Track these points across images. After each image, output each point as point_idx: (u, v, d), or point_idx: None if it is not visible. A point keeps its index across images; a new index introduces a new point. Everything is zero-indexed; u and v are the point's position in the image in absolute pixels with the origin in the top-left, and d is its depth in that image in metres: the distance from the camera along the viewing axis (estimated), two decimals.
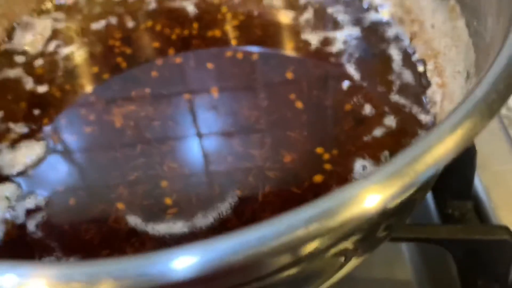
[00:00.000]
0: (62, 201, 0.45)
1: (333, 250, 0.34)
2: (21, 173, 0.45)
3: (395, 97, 0.48)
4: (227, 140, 0.48)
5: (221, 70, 0.55)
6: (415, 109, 0.47)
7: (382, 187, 0.25)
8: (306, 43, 0.55)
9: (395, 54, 0.51)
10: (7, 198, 0.42)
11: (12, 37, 0.57)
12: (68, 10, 0.61)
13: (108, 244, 0.43)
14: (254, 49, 0.56)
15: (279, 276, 0.32)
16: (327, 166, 0.45)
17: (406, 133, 0.45)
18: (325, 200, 0.25)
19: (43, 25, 0.56)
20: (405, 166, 0.25)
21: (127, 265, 0.24)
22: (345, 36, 0.53)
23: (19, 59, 0.55)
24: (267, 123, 0.49)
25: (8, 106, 0.51)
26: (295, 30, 0.57)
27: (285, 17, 0.59)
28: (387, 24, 0.55)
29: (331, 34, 0.54)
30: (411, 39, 0.52)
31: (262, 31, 0.58)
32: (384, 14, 0.55)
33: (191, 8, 0.59)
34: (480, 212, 0.56)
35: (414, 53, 0.51)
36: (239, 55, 0.56)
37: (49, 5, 0.60)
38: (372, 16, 0.56)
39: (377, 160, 0.44)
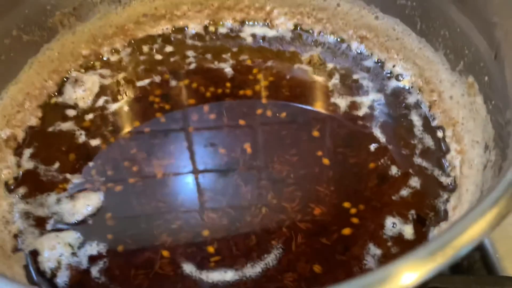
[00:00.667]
0: (112, 248, 0.52)
1: None
2: (81, 222, 0.52)
3: (418, 160, 0.56)
4: (262, 192, 0.56)
5: (252, 126, 0.63)
6: (437, 172, 0.55)
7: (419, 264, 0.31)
8: (335, 106, 0.63)
9: (415, 119, 0.60)
10: (70, 245, 0.48)
11: (62, 92, 0.65)
12: (113, 67, 0.69)
13: None
14: (283, 108, 0.64)
15: None
16: (355, 220, 0.53)
17: (429, 194, 0.53)
18: (365, 277, 0.31)
19: (91, 81, 0.64)
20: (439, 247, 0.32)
21: None
22: (370, 101, 0.62)
23: (70, 112, 0.63)
24: (297, 178, 0.57)
25: (62, 158, 0.59)
26: (322, 92, 0.65)
27: (312, 80, 0.67)
28: (408, 91, 0.64)
29: (358, 98, 0.63)
30: (430, 107, 0.61)
31: (289, 91, 0.66)
32: (404, 83, 0.64)
33: (228, 70, 0.68)
34: (486, 262, 0.63)
35: (433, 119, 0.60)
36: (269, 113, 0.64)
37: (96, 62, 0.68)
38: (393, 84, 0.65)
39: (405, 219, 0.52)
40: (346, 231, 0.52)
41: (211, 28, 0.73)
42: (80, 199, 0.53)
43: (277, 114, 0.64)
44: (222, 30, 0.73)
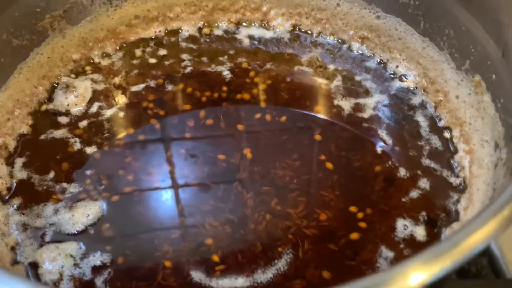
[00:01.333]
0: (114, 258, 0.53)
1: None
2: (82, 232, 0.53)
3: (426, 161, 0.59)
4: (265, 199, 0.57)
5: (251, 131, 0.65)
6: (446, 173, 0.58)
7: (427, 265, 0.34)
8: (339, 108, 0.66)
9: (421, 120, 0.63)
10: (71, 256, 0.49)
11: (53, 98, 0.66)
12: (105, 72, 0.70)
13: None
14: (282, 111, 0.66)
15: None
16: (362, 224, 0.55)
17: (439, 195, 0.56)
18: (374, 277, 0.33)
19: (84, 86, 0.65)
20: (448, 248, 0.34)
21: None
22: (374, 103, 0.65)
23: (63, 119, 0.64)
24: (301, 183, 0.59)
25: (57, 166, 0.60)
26: (324, 95, 0.67)
27: (313, 82, 0.69)
28: (412, 92, 0.67)
29: (361, 100, 0.65)
30: (435, 108, 0.64)
31: (289, 94, 0.68)
32: (408, 83, 0.67)
33: (226, 73, 0.70)
34: (494, 268, 0.65)
35: (440, 120, 0.63)
36: (268, 117, 0.66)
37: (86, 67, 0.70)
38: (397, 84, 0.67)
39: (416, 220, 0.54)
40: (354, 235, 0.54)
41: (206, 30, 0.75)
42: (79, 208, 0.54)
43: (277, 118, 0.66)
44: (217, 32, 0.75)
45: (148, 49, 0.73)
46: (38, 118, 0.65)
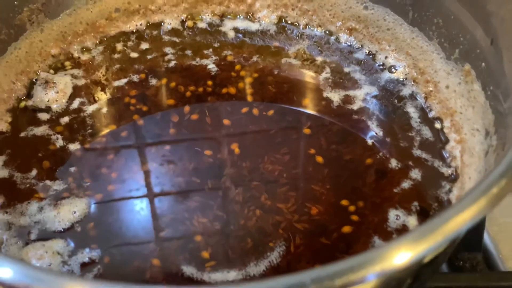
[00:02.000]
0: (98, 258, 0.54)
1: None
2: (69, 229, 0.55)
3: (417, 152, 0.62)
4: (255, 194, 0.59)
5: (238, 126, 0.67)
6: (437, 163, 0.61)
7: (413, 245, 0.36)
8: (328, 100, 0.68)
9: (412, 111, 0.66)
10: (58, 253, 0.51)
11: (32, 94, 0.67)
12: (85, 67, 0.72)
13: None
14: (270, 105, 0.69)
15: None
16: (354, 218, 0.57)
17: (431, 185, 0.59)
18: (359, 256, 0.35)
19: (64, 82, 0.67)
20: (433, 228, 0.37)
21: None
22: (364, 95, 0.68)
23: (43, 116, 0.66)
24: (290, 177, 0.61)
25: (40, 164, 0.61)
26: (312, 87, 0.70)
27: (301, 75, 0.72)
28: (402, 83, 0.70)
29: (351, 92, 0.68)
30: (426, 98, 0.67)
31: (276, 88, 0.71)
32: (398, 74, 0.70)
33: (211, 66, 0.72)
34: (489, 263, 0.68)
35: (430, 110, 0.66)
36: (255, 111, 0.68)
37: (66, 62, 0.72)
38: (386, 76, 0.70)
39: (408, 211, 0.57)
40: (346, 229, 0.56)
41: (189, 23, 0.78)
42: (64, 206, 0.56)
43: (264, 112, 0.68)
44: (201, 25, 0.77)
45: (130, 43, 0.75)
46: (17, 115, 0.67)
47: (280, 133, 0.66)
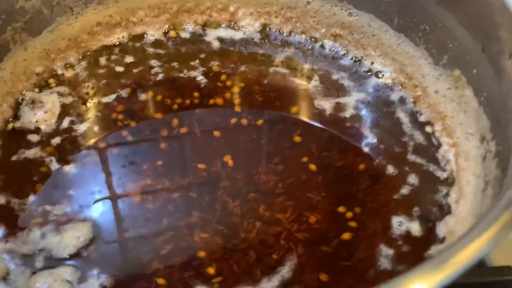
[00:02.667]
0: (108, 283, 0.54)
1: None
2: (75, 255, 0.55)
3: (411, 157, 0.64)
4: (253, 206, 0.61)
5: (228, 137, 0.68)
6: (432, 167, 0.63)
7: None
8: (320, 109, 0.70)
9: (402, 116, 0.68)
10: (68, 281, 0.51)
11: (19, 115, 0.66)
12: (70, 84, 0.72)
13: None
14: (258, 115, 0.70)
15: None
16: (353, 224, 0.59)
17: (429, 190, 0.61)
18: None
19: (51, 101, 0.66)
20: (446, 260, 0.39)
21: None
22: (354, 101, 0.70)
23: (33, 138, 0.65)
24: (286, 187, 0.63)
25: (36, 188, 0.61)
26: (302, 95, 0.72)
27: (289, 83, 0.73)
28: (390, 88, 0.72)
29: (341, 100, 0.70)
30: (414, 103, 0.69)
31: (263, 97, 0.72)
32: (385, 80, 0.72)
33: (200, 78, 0.73)
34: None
35: (420, 115, 0.68)
36: (244, 121, 0.69)
37: (50, 79, 0.71)
38: (374, 81, 0.73)
39: (410, 216, 0.59)
40: (346, 236, 0.58)
41: (172, 34, 0.78)
42: (67, 231, 0.56)
43: (253, 122, 0.70)
44: (184, 35, 0.78)
45: (113, 57, 0.75)
46: (6, 137, 0.66)
47: (271, 142, 0.67)
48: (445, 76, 0.66)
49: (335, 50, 0.76)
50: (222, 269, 0.56)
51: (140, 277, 0.55)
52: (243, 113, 0.70)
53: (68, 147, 0.65)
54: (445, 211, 0.60)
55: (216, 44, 0.77)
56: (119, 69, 0.73)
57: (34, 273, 0.53)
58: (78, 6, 0.74)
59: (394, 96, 0.71)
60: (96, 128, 0.68)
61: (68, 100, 0.69)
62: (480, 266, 0.70)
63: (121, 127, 0.68)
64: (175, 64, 0.75)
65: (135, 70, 0.74)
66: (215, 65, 0.75)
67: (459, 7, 0.62)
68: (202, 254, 0.57)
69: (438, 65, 0.67)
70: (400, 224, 0.59)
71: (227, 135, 0.68)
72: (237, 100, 0.72)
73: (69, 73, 0.72)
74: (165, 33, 0.78)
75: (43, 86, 0.71)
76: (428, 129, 0.67)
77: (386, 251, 0.56)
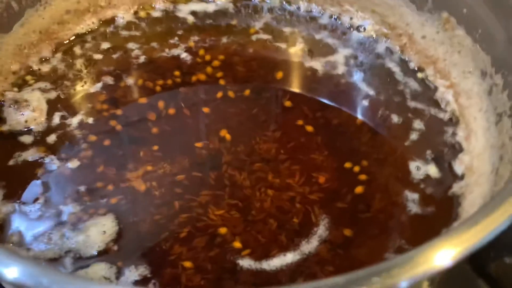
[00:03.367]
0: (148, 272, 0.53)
1: None
2: (105, 250, 0.53)
3: (412, 104, 0.66)
4: (260, 175, 0.60)
5: (218, 112, 0.67)
6: (433, 110, 0.65)
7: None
8: (312, 70, 0.69)
9: (392, 66, 0.70)
10: (105, 278, 0.49)
11: (5, 118, 0.63)
12: (49, 78, 0.68)
13: None
14: (244, 85, 0.69)
15: None
16: (363, 177, 0.60)
17: (435, 132, 0.63)
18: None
19: (36, 98, 0.63)
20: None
21: None
22: (343, 58, 0.70)
23: (26, 139, 0.62)
24: (288, 152, 0.63)
25: (43, 189, 0.58)
26: (287, 60, 0.71)
27: (271, 49, 0.73)
28: (374, 41, 0.73)
29: (330, 58, 0.70)
30: (402, 51, 0.70)
31: (245, 67, 0.71)
32: (368, 33, 0.73)
33: (184, 55, 0.71)
34: None
35: (410, 62, 0.70)
36: (231, 94, 0.68)
37: (27, 76, 0.67)
38: (356, 36, 0.73)
39: (424, 160, 0.60)
40: (359, 189, 0.59)
41: (142, 14, 0.76)
42: (90, 227, 0.54)
43: (240, 94, 0.69)
44: (155, 14, 0.76)
45: (88, 45, 0.72)
46: None
47: (263, 110, 0.67)
48: (431, 20, 0.67)
49: (311, 10, 0.76)
50: (248, 241, 0.55)
51: (166, 264, 0.54)
52: (228, 86, 0.69)
53: (66, 143, 0.62)
54: (457, 149, 0.61)
55: (191, 19, 0.75)
56: (98, 56, 0.71)
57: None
58: None
59: (380, 48, 0.72)
60: (90, 120, 0.65)
61: (53, 95, 0.66)
62: None
63: (107, 117, 0.65)
64: (154, 44, 0.72)
65: (114, 56, 0.71)
66: (193, 40, 0.73)
67: None
68: (223, 230, 0.56)
69: (423, 10, 0.68)
70: (418, 168, 0.60)
71: (216, 110, 0.67)
72: (219, 74, 0.70)
73: (45, 68, 0.69)
74: (136, 14, 0.76)
75: (21, 84, 0.68)
76: (420, 74, 0.69)
77: (411, 196, 0.58)
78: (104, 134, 0.64)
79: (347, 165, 0.61)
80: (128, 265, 0.53)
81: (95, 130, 0.64)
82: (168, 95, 0.68)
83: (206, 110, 0.66)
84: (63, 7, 0.71)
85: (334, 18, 0.75)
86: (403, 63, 0.70)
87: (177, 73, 0.70)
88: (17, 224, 0.56)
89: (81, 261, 0.53)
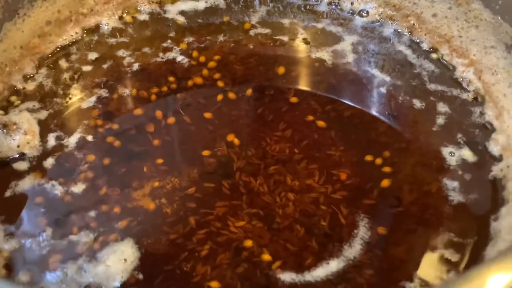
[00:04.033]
0: None
1: None
2: (129, 281, 0.48)
3: (432, 86, 0.62)
4: (278, 179, 0.56)
5: (221, 116, 0.62)
6: (455, 91, 0.62)
7: None
8: (320, 61, 0.65)
9: (404, 49, 0.66)
10: None
11: None
12: (36, 97, 0.62)
13: None
14: (244, 85, 0.64)
15: None
16: (387, 169, 0.56)
17: (462, 114, 0.59)
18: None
19: (25, 120, 0.57)
20: None
21: None
22: (350, 45, 0.66)
23: (21, 165, 0.56)
24: (303, 151, 0.58)
25: (50, 221, 0.52)
26: (289, 53, 0.67)
27: (270, 44, 0.68)
28: (380, 24, 0.69)
29: (337, 47, 0.66)
30: (411, 33, 0.67)
31: (243, 65, 0.67)
32: (371, 17, 0.69)
33: (177, 59, 0.66)
34: None
35: (421, 43, 0.66)
36: (231, 95, 0.64)
37: (12, 97, 0.61)
38: (360, 21, 0.69)
39: (457, 144, 0.57)
40: (385, 183, 0.55)
41: (127, 18, 0.70)
42: (109, 256, 0.48)
43: (241, 94, 0.64)
44: (141, 17, 0.71)
45: (74, 57, 0.66)
46: None
47: (268, 109, 0.62)
48: None
49: None
50: (277, 252, 0.51)
51: (189, 286, 0.49)
52: (227, 87, 0.64)
53: (64, 165, 0.57)
54: (489, 129, 0.59)
55: (181, 20, 0.70)
56: (86, 68, 0.65)
57: None
58: (24, 6, 0.64)
59: (387, 31, 0.68)
60: (86, 138, 0.59)
61: (43, 115, 0.61)
62: None
63: (103, 134, 0.59)
64: (145, 49, 0.67)
65: (104, 66, 0.66)
66: (185, 42, 0.68)
67: None
68: (248, 243, 0.51)
69: None
70: (452, 154, 0.57)
71: (219, 114, 0.62)
72: (216, 75, 0.65)
73: (30, 86, 0.63)
74: (121, 19, 0.70)
75: (6, 106, 0.62)
76: (435, 55, 0.65)
77: (451, 184, 0.55)
78: (103, 152, 0.59)
79: (368, 158, 0.57)
80: None
81: (93, 149, 0.59)
82: (165, 103, 0.63)
83: (207, 115, 0.61)
84: (42, 18, 0.65)
85: (334, 5, 0.71)
86: (415, 45, 0.67)
87: (171, 78, 0.65)
88: (26, 261, 0.50)
89: None
